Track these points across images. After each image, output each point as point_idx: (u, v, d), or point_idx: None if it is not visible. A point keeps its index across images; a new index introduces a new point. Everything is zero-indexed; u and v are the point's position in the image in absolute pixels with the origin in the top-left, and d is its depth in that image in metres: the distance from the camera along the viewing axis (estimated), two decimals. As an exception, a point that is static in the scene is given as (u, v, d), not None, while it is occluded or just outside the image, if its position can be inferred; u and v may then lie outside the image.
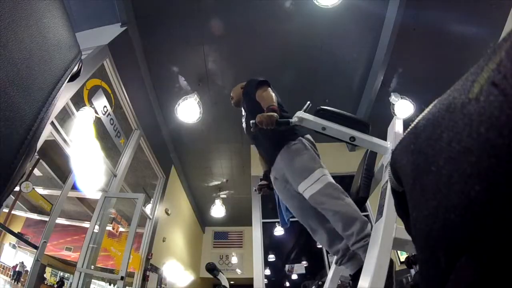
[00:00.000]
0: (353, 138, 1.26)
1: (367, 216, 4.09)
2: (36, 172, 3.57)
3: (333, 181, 1.41)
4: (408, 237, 0.28)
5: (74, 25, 1.41)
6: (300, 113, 1.31)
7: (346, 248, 1.38)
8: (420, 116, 0.24)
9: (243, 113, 1.90)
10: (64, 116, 2.71)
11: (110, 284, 4.18)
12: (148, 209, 4.75)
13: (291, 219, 1.85)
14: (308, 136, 1.62)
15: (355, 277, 1.30)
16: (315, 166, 1.44)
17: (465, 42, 3.53)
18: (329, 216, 1.33)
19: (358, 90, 4.39)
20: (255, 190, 1.89)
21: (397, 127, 1.29)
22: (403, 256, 3.86)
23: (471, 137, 0.16)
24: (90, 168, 3.11)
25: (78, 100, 2.86)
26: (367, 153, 1.52)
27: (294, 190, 1.53)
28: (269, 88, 1.64)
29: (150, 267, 4.47)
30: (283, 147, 1.54)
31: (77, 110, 2.83)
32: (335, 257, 1.47)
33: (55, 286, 3.71)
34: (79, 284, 2.92)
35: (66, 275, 4.05)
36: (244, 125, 1.90)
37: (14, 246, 3.27)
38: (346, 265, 1.41)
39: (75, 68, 0.50)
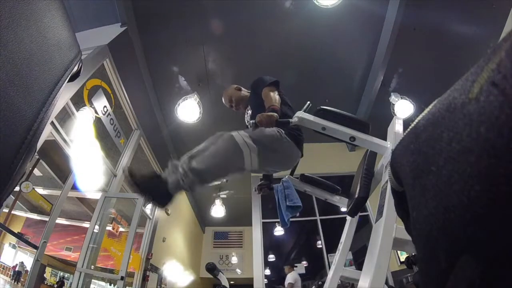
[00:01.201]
0: (353, 138, 1.26)
1: (366, 216, 4.14)
2: (36, 172, 3.57)
3: (242, 152, 1.35)
4: (408, 237, 0.28)
5: (74, 25, 1.42)
6: (300, 113, 1.31)
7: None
8: (420, 116, 0.24)
9: (247, 111, 1.88)
10: (64, 116, 2.71)
11: (110, 284, 4.18)
12: (148, 209, 4.75)
13: (291, 219, 1.85)
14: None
15: None
16: (261, 144, 1.40)
17: (465, 42, 3.53)
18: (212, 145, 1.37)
19: (358, 90, 4.39)
20: (255, 190, 1.89)
21: (397, 127, 1.29)
22: (403, 256, 3.86)
23: (471, 137, 0.16)
24: (90, 168, 3.11)
25: (78, 100, 2.86)
26: (367, 153, 1.52)
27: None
28: (276, 91, 1.65)
29: (150, 267, 4.47)
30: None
31: (77, 110, 2.83)
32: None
33: (55, 286, 3.70)
34: (79, 284, 2.92)
35: (66, 275, 4.05)
36: (246, 119, 1.88)
37: (14, 246, 3.27)
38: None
39: (75, 68, 0.50)
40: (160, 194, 1.25)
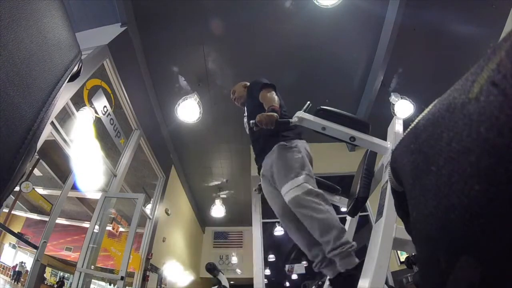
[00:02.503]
0: (353, 138, 1.26)
1: (366, 216, 4.13)
2: (36, 172, 3.57)
3: (315, 188, 1.39)
4: (408, 237, 0.28)
5: (74, 25, 1.42)
6: (300, 113, 1.31)
7: (324, 254, 1.36)
8: (420, 116, 0.24)
9: (245, 113, 1.91)
10: (64, 116, 2.71)
11: (110, 284, 4.18)
12: (148, 209, 4.75)
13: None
14: (305, 142, 1.62)
15: (333, 282, 1.30)
16: (302, 171, 1.42)
17: (465, 42, 3.53)
18: (306, 223, 1.32)
19: (358, 90, 4.39)
20: (255, 190, 1.89)
21: (397, 127, 1.29)
22: (403, 256, 3.86)
23: (471, 137, 0.16)
24: (90, 168, 3.11)
25: (78, 100, 2.86)
26: (367, 153, 1.52)
27: (277, 189, 1.53)
28: (273, 91, 1.65)
29: (150, 267, 4.47)
30: (276, 144, 1.55)
31: (77, 110, 2.83)
32: (314, 262, 1.46)
33: (55, 286, 3.70)
34: (79, 284, 2.92)
35: (66, 275, 4.05)
36: (245, 124, 1.90)
37: (14, 246, 3.27)
38: (324, 271, 1.41)
39: (75, 68, 0.50)
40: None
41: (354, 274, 1.14)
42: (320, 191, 1.39)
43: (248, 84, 1.98)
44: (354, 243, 1.25)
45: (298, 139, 1.59)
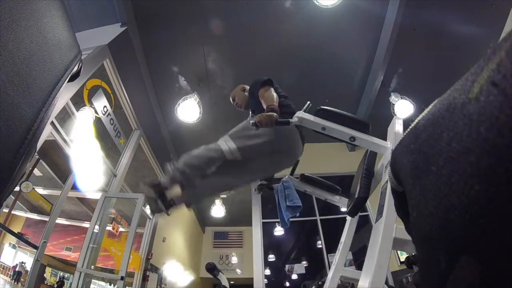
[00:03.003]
0: (353, 138, 1.26)
1: (366, 216, 4.13)
2: (36, 172, 3.57)
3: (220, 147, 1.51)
4: (408, 237, 0.28)
5: (74, 25, 1.41)
6: (300, 113, 1.31)
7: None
8: (420, 116, 0.24)
9: (250, 113, 1.89)
10: (64, 116, 2.71)
11: (110, 284, 4.18)
12: (148, 209, 4.75)
13: (291, 219, 1.85)
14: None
15: None
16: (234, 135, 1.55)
17: (465, 42, 3.53)
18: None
19: (358, 90, 4.39)
20: (255, 190, 1.89)
21: (397, 127, 1.29)
22: (403, 256, 3.86)
23: (471, 137, 0.16)
24: (90, 168, 3.11)
25: (78, 100, 2.86)
26: (367, 153, 1.52)
27: None
28: (271, 88, 1.64)
29: (150, 267, 4.47)
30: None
31: (77, 110, 2.83)
32: None
33: (55, 286, 3.70)
34: (79, 284, 2.92)
35: (66, 275, 4.05)
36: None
37: (14, 246, 3.27)
38: None
39: (75, 68, 0.50)
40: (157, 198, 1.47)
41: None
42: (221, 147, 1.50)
43: (247, 86, 1.98)
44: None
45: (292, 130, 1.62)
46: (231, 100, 2.03)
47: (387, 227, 1.00)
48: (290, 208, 1.80)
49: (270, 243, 7.14)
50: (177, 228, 6.01)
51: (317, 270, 5.37)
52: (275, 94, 1.58)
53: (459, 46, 3.60)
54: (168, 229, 5.35)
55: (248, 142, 1.51)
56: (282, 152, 1.61)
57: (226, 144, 1.50)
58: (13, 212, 3.29)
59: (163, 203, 1.47)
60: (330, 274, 1.63)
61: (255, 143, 1.51)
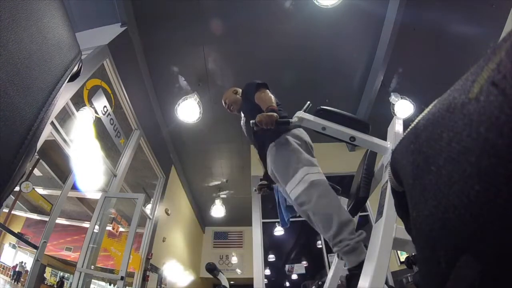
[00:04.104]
0: (353, 138, 1.26)
1: (366, 216, 4.13)
2: (36, 172, 3.57)
3: (319, 178, 1.37)
4: (408, 237, 0.28)
5: (74, 25, 1.42)
6: (300, 113, 1.31)
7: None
8: (420, 116, 0.24)
9: (242, 116, 1.90)
10: (64, 116, 2.71)
11: (110, 284, 4.18)
12: (148, 209, 4.75)
13: (291, 219, 1.84)
14: (295, 131, 1.59)
15: (350, 272, 1.27)
16: (298, 166, 1.40)
17: (465, 42, 3.53)
18: (311, 217, 1.31)
19: (358, 90, 4.39)
20: (255, 190, 1.89)
21: (397, 127, 1.29)
22: (403, 256, 3.86)
23: (471, 137, 0.16)
24: (90, 168, 3.11)
25: (78, 100, 2.86)
26: (367, 153, 1.52)
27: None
28: (268, 90, 1.65)
29: (150, 267, 4.47)
30: (269, 146, 1.56)
31: (77, 110, 2.83)
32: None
33: (55, 286, 3.70)
34: (79, 284, 2.92)
35: (66, 275, 4.05)
36: (243, 128, 1.90)
37: (14, 246, 3.27)
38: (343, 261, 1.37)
39: (75, 68, 0.50)
40: None
41: (355, 274, 1.09)
42: (323, 178, 1.37)
43: (238, 89, 1.99)
44: (358, 235, 1.18)
45: (284, 132, 1.57)
46: (223, 103, 2.02)
47: (387, 227, 1.00)
48: (290, 208, 1.80)
49: (270, 243, 7.15)
50: (177, 228, 6.01)
51: (317, 270, 5.38)
52: (272, 96, 1.58)
53: (459, 46, 3.60)
54: (168, 229, 5.35)
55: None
56: None
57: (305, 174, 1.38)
58: (13, 212, 3.29)
59: None
60: (330, 274, 1.63)
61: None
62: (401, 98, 4.06)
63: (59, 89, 0.43)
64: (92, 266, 3.15)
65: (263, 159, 1.73)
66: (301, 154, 1.48)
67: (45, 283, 3.67)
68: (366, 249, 1.10)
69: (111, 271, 3.71)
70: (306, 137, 1.60)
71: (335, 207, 1.28)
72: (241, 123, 1.92)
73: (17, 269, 3.18)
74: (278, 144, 1.53)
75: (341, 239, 1.18)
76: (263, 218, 4.50)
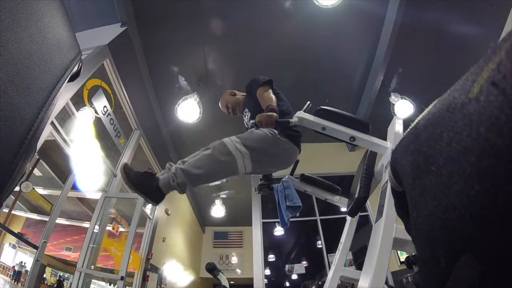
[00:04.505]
0: (353, 138, 1.27)
1: (366, 216, 4.13)
2: (36, 172, 3.57)
3: (235, 158, 1.38)
4: (408, 237, 0.28)
5: (74, 25, 1.42)
6: (300, 113, 1.31)
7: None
8: (420, 116, 0.24)
9: (245, 115, 1.89)
10: (64, 116, 2.71)
11: (110, 284, 4.18)
12: (148, 209, 4.75)
13: (291, 219, 1.84)
14: (296, 150, 1.58)
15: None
16: (252, 145, 1.42)
17: (465, 42, 3.53)
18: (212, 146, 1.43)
19: (358, 90, 4.39)
20: (255, 190, 1.89)
21: (397, 127, 1.29)
22: (403, 256, 3.86)
23: (471, 137, 0.16)
24: (90, 168, 3.11)
25: (78, 100, 2.86)
26: (367, 153, 1.52)
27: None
28: (270, 90, 1.64)
29: (150, 267, 4.47)
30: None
31: (77, 110, 2.83)
32: None
33: (55, 286, 3.70)
34: (79, 284, 2.92)
35: (66, 275, 4.04)
36: (246, 125, 1.88)
37: (14, 246, 3.27)
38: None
39: (75, 68, 0.50)
40: (151, 190, 1.31)
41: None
42: (236, 159, 1.38)
43: (235, 91, 1.98)
44: (184, 174, 1.31)
45: (293, 143, 1.55)
46: (224, 109, 1.98)
47: (387, 227, 1.00)
48: (290, 208, 1.80)
49: (270, 243, 7.14)
50: (177, 228, 6.01)
51: (317, 270, 5.38)
52: (273, 96, 1.58)
53: (459, 46, 3.60)
54: (168, 229, 5.35)
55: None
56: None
57: (234, 145, 1.41)
58: (13, 212, 3.29)
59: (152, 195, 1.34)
60: (330, 274, 1.63)
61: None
62: (401, 98, 4.06)
63: (59, 89, 0.43)
64: (92, 266, 3.16)
65: None
66: (269, 153, 1.50)
67: (45, 283, 3.66)
68: (367, 249, 1.10)
69: (111, 271, 3.72)
70: (286, 153, 1.57)
71: (199, 165, 1.36)
72: (244, 121, 1.89)
73: (17, 269, 3.18)
74: (275, 134, 1.51)
75: (180, 167, 1.32)
76: (263, 218, 4.50)
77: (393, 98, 4.09)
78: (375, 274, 0.92)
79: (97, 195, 3.54)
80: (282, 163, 1.60)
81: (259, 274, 3.98)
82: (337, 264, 1.61)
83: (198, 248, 7.91)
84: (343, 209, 1.75)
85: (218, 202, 6.61)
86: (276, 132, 1.50)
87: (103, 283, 4.23)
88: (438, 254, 0.19)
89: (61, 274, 4.04)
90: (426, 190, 0.21)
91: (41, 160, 3.40)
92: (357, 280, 1.14)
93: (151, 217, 4.67)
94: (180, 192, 1.35)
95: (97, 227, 3.32)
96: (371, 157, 1.50)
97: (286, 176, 1.90)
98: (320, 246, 4.40)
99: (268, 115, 1.37)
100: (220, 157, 1.35)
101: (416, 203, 0.23)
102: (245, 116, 1.88)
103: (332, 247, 4.20)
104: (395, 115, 3.75)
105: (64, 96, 2.39)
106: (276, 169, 1.70)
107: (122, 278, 2.92)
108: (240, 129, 2.00)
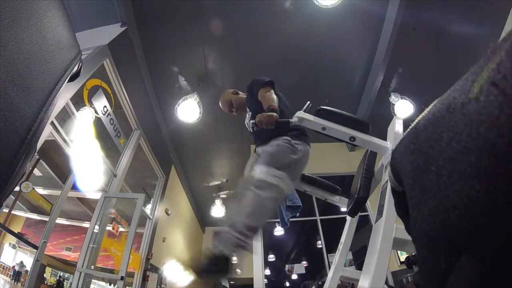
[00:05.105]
0: (353, 138, 1.26)
1: (366, 216, 4.13)
2: (36, 172, 3.57)
3: (283, 188, 1.34)
4: (408, 237, 0.28)
5: (74, 25, 1.42)
6: (300, 113, 1.31)
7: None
8: (420, 116, 0.24)
9: (247, 112, 1.88)
10: (64, 116, 2.71)
11: (110, 284, 4.18)
12: (148, 209, 4.75)
13: (291, 219, 1.84)
14: (309, 149, 1.57)
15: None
16: (286, 170, 1.37)
17: (465, 42, 3.53)
18: (243, 196, 1.31)
19: (358, 90, 4.39)
20: (255, 190, 1.88)
21: (397, 127, 1.29)
22: (403, 256, 3.86)
23: (471, 137, 0.16)
24: (90, 168, 3.11)
25: (78, 100, 2.86)
26: (367, 153, 1.52)
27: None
28: (272, 90, 1.64)
29: (150, 267, 4.47)
30: (282, 136, 1.53)
31: (77, 110, 2.83)
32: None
33: (55, 286, 3.70)
34: (79, 284, 2.92)
35: (66, 275, 4.05)
36: (247, 124, 1.88)
37: (14, 246, 3.27)
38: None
39: (75, 68, 0.50)
40: (223, 267, 1.19)
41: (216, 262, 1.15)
42: (277, 185, 1.32)
43: (236, 90, 1.97)
44: (242, 237, 1.17)
45: (305, 142, 1.55)
46: (227, 108, 1.95)
47: (387, 227, 1.00)
48: (290, 208, 1.79)
49: (270, 243, 7.15)
50: (177, 228, 6.01)
51: (317, 270, 5.38)
52: (275, 96, 1.58)
53: (459, 46, 3.60)
54: (168, 229, 5.35)
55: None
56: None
57: (269, 174, 1.33)
58: (13, 212, 3.29)
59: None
60: (330, 274, 1.63)
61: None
62: (401, 98, 4.06)
63: (59, 89, 0.43)
64: (92, 266, 3.15)
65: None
66: (297, 168, 1.49)
67: (45, 283, 3.67)
68: (367, 249, 1.10)
69: (111, 271, 3.71)
70: (305, 155, 1.55)
71: (257, 212, 1.27)
72: (246, 121, 1.87)
73: (17, 269, 3.19)
74: (290, 142, 1.51)
75: (234, 228, 1.19)
76: (263, 218, 4.49)
77: (393, 98, 4.09)
78: (375, 274, 0.92)
79: (97, 195, 3.54)
80: (304, 166, 1.60)
81: (259, 274, 3.97)
82: (337, 264, 1.61)
83: (198, 248, 7.91)
84: (343, 209, 1.75)
85: (218, 202, 6.61)
86: (289, 138, 1.50)
87: (103, 283, 4.23)
88: (438, 254, 0.19)
89: (61, 274, 4.04)
90: (426, 190, 0.21)
91: (41, 160, 3.40)
92: (357, 280, 1.14)
93: (151, 217, 4.67)
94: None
95: (97, 227, 3.31)
96: (371, 157, 1.50)
97: (286, 176, 1.90)
98: (320, 246, 4.40)
99: (269, 115, 1.37)
100: (267, 195, 1.30)
101: (416, 203, 0.23)
102: (246, 116, 1.88)
103: (332, 247, 4.20)
104: (395, 115, 3.74)
105: (64, 96, 2.38)
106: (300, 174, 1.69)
107: (122, 278, 2.92)
108: (240, 129, 2.00)
